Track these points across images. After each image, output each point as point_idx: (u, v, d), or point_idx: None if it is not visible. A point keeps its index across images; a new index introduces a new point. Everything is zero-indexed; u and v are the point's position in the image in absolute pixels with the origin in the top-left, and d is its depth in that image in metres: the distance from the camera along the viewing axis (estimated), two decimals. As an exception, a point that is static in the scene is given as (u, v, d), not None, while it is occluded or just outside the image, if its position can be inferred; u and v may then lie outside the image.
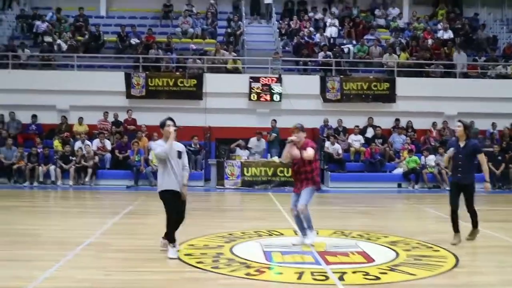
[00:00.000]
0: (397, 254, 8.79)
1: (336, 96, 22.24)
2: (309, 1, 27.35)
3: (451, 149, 9.71)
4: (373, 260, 8.36)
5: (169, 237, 8.48)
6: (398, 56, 23.44)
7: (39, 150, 19.96)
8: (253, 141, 20.62)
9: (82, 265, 7.96)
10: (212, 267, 7.85)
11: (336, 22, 25.71)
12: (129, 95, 21.82)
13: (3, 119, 21.46)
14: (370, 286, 7.13)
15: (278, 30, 25.23)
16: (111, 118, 21.55)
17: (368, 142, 21.46)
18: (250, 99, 21.88)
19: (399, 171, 20.62)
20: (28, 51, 22.81)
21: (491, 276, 7.78)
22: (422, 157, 20.57)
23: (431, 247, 9.33)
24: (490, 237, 10.42)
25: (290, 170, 19.02)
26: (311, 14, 26.47)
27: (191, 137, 20.01)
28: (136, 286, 7.10)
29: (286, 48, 24.53)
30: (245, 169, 19.66)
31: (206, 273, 7.59)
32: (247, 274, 7.51)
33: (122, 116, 21.62)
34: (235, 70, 22.69)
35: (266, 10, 26.88)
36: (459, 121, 9.79)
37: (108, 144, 20.53)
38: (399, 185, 20.43)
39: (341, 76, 22.50)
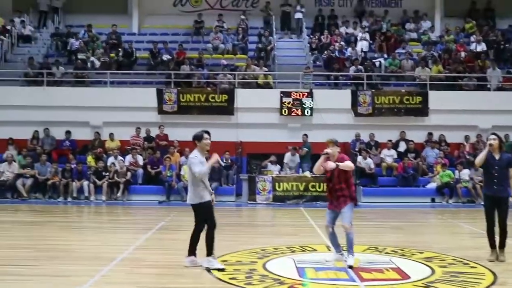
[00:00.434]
0: (433, 270, 8.65)
1: (367, 110, 22.10)
2: (340, 15, 27.28)
3: (484, 151, 9.51)
4: (409, 277, 8.25)
5: (211, 248, 8.66)
6: (430, 69, 23.23)
7: (72, 166, 20.21)
8: (288, 156, 20.57)
9: (116, 281, 8.01)
10: (245, 283, 7.82)
11: (367, 36, 25.61)
12: (161, 111, 21.99)
13: (38, 135, 21.78)
14: (405, 303, 7.03)
15: (308, 45, 25.21)
16: (143, 134, 21.73)
17: (400, 156, 21.25)
18: (281, 114, 21.86)
19: (432, 185, 20.36)
20: (62, 69, 23.18)
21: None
22: (456, 171, 20.28)
23: (467, 264, 9.17)
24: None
25: (322, 184, 19.17)
26: (342, 28, 26.41)
27: (223, 152, 20.05)
28: (170, 302, 7.11)
29: (317, 62, 24.50)
30: (276, 184, 19.62)
31: (240, 290, 7.57)
32: (281, 290, 7.47)
33: (154, 132, 21.78)
34: (266, 85, 22.73)
35: (297, 25, 26.90)
36: (493, 133, 9.65)
37: (140, 160, 20.69)
38: (433, 200, 20.16)
39: (373, 90, 22.36)
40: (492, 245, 9.45)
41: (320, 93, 22.16)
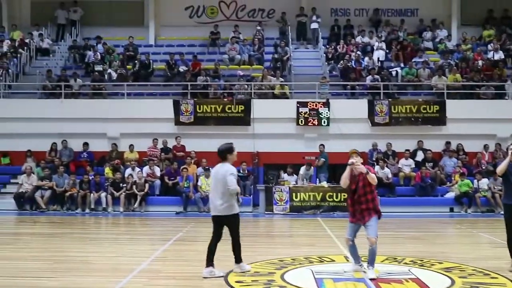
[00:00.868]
0: (453, 281, 8.55)
1: (384, 119, 22.01)
2: (356, 25, 27.26)
3: (506, 160, 9.35)
4: (428, 288, 8.17)
5: (239, 256, 9.05)
6: (447, 78, 23.09)
7: (90, 178, 20.32)
8: (302, 169, 20.52)
9: (134, 292, 8.02)
10: (263, 295, 7.79)
11: (384, 45, 25.55)
12: (177, 122, 22.07)
13: (56, 147, 21.94)
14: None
15: (325, 55, 25.20)
16: (160, 145, 21.80)
17: (418, 165, 21.11)
18: (297, 124, 21.84)
19: (451, 195, 20.20)
20: (80, 81, 23.39)
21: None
22: (475, 181, 20.11)
23: (488, 274, 9.06)
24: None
25: (339, 194, 19.09)
26: (358, 38, 26.38)
27: (239, 163, 20.04)
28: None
29: (333, 72, 24.48)
30: (293, 194, 19.56)
31: (258, 301, 7.54)
32: (299, 301, 7.43)
33: (171, 143, 21.85)
34: (283, 96, 22.74)
35: (313, 35, 26.92)
36: None
37: (157, 171, 20.75)
38: (451, 210, 20.00)
39: (390, 100, 22.27)
40: (514, 255, 9.33)
41: (337, 103, 22.13)
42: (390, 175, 20.43)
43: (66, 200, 20.07)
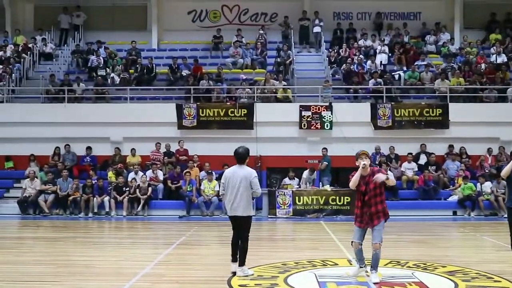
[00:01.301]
0: (456, 285, 8.54)
1: (387, 123, 22.00)
2: (358, 29, 27.28)
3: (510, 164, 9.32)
4: (432, 291, 8.17)
5: (244, 259, 9.12)
6: (450, 81, 23.09)
7: (93, 182, 20.34)
8: (305, 173, 20.53)
9: (137, 296, 8.02)
10: (266, 299, 7.78)
11: (386, 49, 25.56)
12: (180, 126, 22.08)
13: (59, 151, 21.98)
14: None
15: (327, 58, 25.21)
16: (163, 149, 21.82)
17: (421, 169, 21.12)
18: (300, 128, 21.85)
19: (454, 198, 20.18)
20: (83, 85, 23.44)
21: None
22: (478, 184, 20.08)
23: (491, 278, 9.04)
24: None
25: (342, 198, 19.10)
26: (361, 41, 26.39)
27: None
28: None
29: (336, 76, 24.48)
30: (296, 198, 19.56)
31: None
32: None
33: (174, 147, 21.87)
34: (285, 99, 22.74)
35: (315, 38, 26.95)
36: None
37: (160, 175, 20.77)
38: (455, 213, 19.99)
39: (392, 103, 22.26)
40: (517, 258, 9.32)
41: (340, 107, 22.12)
42: (393, 179, 20.35)
43: (69, 204, 20.08)
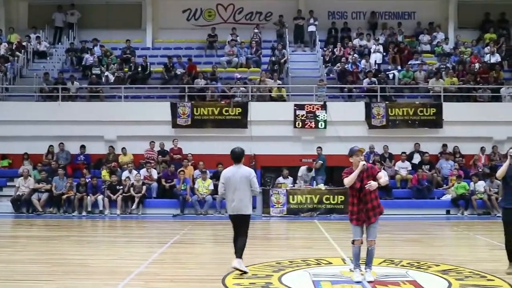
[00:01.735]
0: (450, 283, 8.58)
1: (381, 122, 22.05)
2: (353, 28, 27.30)
3: (506, 163, 9.33)
4: (425, 290, 8.20)
5: (242, 252, 9.30)
6: (444, 81, 23.15)
7: (87, 180, 20.30)
8: (302, 170, 20.54)
9: (132, 295, 8.02)
10: (261, 297, 7.79)
11: (381, 48, 25.60)
12: (175, 125, 22.06)
13: (53, 150, 21.92)
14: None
15: (322, 58, 25.23)
16: (157, 148, 21.80)
17: (415, 168, 21.17)
18: (295, 127, 21.87)
19: (447, 197, 20.25)
20: (77, 84, 23.36)
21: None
22: (471, 183, 20.15)
23: (484, 277, 9.08)
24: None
25: (336, 197, 19.13)
26: (355, 40, 26.42)
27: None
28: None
29: (331, 75, 24.50)
30: (290, 197, 19.57)
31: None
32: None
33: (168, 146, 21.85)
34: (280, 98, 22.76)
35: (310, 37, 26.95)
36: None
37: (154, 173, 20.75)
38: (448, 212, 20.05)
39: (387, 102, 22.31)
40: (511, 258, 9.34)
41: (334, 106, 22.15)
42: (387, 178, 20.42)
43: (63, 203, 20.03)
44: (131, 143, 21.72)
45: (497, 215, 18.17)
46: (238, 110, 22.00)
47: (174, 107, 22.05)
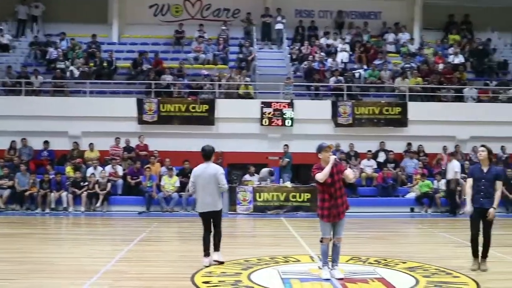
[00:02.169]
0: (417, 280, 8.69)
1: (347, 120, 22.22)
2: (320, 27, 27.42)
3: (470, 179, 9.56)
4: (394, 287, 8.26)
5: (219, 244, 9.88)
6: (409, 81, 23.44)
7: (51, 177, 19.96)
8: (264, 171, 20.54)
9: (99, 294, 7.91)
10: (231, 295, 7.78)
11: (347, 47, 25.77)
12: (141, 121, 21.87)
13: (16, 145, 21.51)
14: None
15: (289, 55, 25.29)
16: (122, 144, 21.56)
17: (380, 166, 21.40)
18: (261, 124, 21.89)
19: (411, 195, 20.51)
20: (41, 78, 22.95)
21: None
22: (435, 181, 20.45)
23: (450, 273, 9.23)
24: (509, 262, 10.31)
25: (303, 194, 19.19)
26: (322, 39, 26.54)
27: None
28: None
29: (297, 73, 24.58)
30: (257, 194, 19.57)
31: (225, 301, 7.53)
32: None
33: (134, 142, 21.65)
34: (247, 95, 22.74)
35: (277, 35, 26.93)
36: (483, 146, 9.66)
37: (120, 170, 20.53)
38: (412, 210, 20.29)
39: (353, 101, 22.51)
40: (475, 254, 9.52)
41: (301, 104, 22.24)
42: (356, 174, 20.61)
43: (26, 200, 19.68)
44: (96, 139, 21.46)
45: (460, 213, 18.52)
46: (205, 107, 21.93)
47: (140, 103, 21.86)
